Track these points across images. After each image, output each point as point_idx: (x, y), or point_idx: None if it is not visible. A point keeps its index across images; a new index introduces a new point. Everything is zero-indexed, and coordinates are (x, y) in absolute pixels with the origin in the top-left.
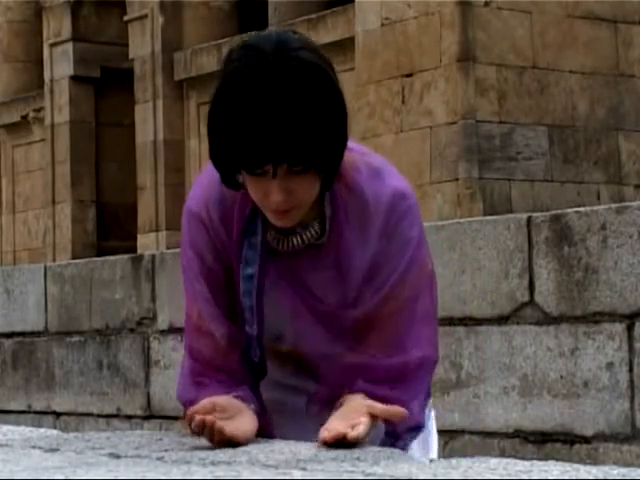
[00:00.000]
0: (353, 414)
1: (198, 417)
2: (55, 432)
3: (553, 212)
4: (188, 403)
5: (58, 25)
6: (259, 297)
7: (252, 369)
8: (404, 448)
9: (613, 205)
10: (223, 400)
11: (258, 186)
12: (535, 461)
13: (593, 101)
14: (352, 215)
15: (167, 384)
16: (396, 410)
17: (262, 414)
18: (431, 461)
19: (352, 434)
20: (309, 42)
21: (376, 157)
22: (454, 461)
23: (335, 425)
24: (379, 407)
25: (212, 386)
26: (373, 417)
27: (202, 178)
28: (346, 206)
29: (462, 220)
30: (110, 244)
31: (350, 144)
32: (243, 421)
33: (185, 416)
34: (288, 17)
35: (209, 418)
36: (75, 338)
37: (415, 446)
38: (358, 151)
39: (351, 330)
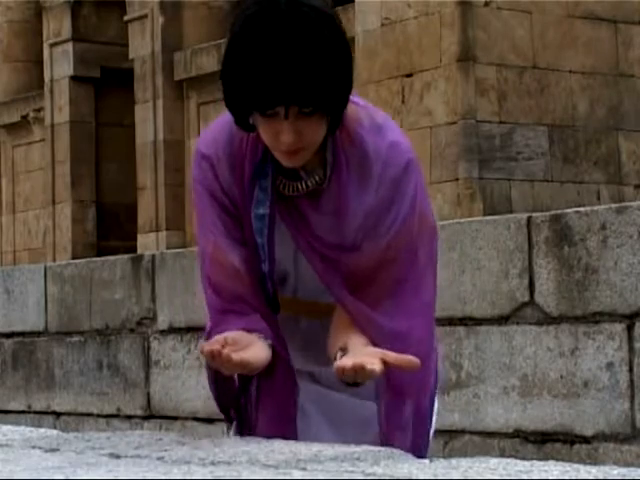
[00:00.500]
0: (367, 357)
1: (207, 348)
2: (55, 432)
3: (553, 212)
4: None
5: (58, 25)
6: (270, 235)
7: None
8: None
9: (613, 205)
10: (235, 334)
11: (269, 127)
12: (535, 461)
13: (593, 101)
14: (352, 164)
15: (167, 384)
16: (409, 359)
17: (279, 344)
18: (431, 461)
19: (370, 366)
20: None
21: (380, 112)
22: (454, 461)
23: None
24: (392, 355)
25: (232, 319)
26: (385, 364)
27: (212, 125)
28: (347, 155)
29: (462, 220)
30: (110, 244)
31: (355, 98)
32: (254, 350)
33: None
34: None
35: (216, 348)
36: (75, 338)
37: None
38: (363, 105)
39: (350, 278)
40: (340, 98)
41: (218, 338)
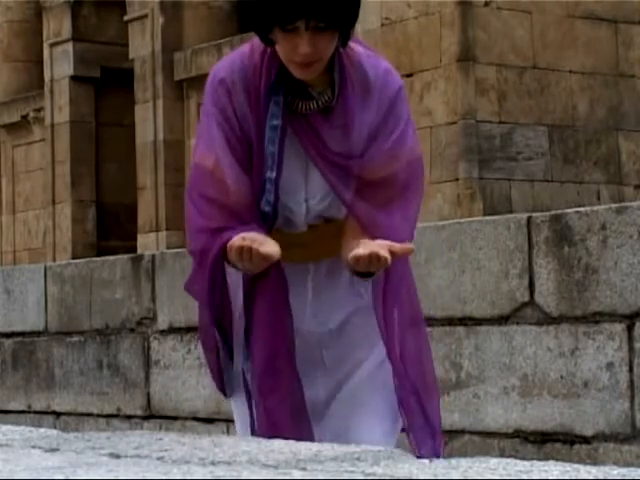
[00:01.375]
0: (378, 248)
1: (237, 244)
2: (55, 432)
3: (553, 212)
4: (205, 251)
5: (58, 25)
6: (281, 144)
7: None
8: None
9: (613, 205)
10: (250, 233)
11: (289, 41)
12: (535, 461)
13: (593, 101)
14: (356, 86)
15: (167, 384)
16: (408, 247)
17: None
18: (431, 461)
19: (384, 254)
20: None
21: (372, 50)
22: (454, 461)
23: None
24: (397, 245)
25: (230, 233)
26: (392, 254)
27: (226, 57)
28: (351, 77)
29: (462, 220)
30: (110, 244)
31: (355, 40)
32: (271, 243)
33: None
34: None
35: (246, 243)
36: (75, 338)
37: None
38: (357, 41)
39: (358, 182)
40: (351, 15)
41: (237, 238)
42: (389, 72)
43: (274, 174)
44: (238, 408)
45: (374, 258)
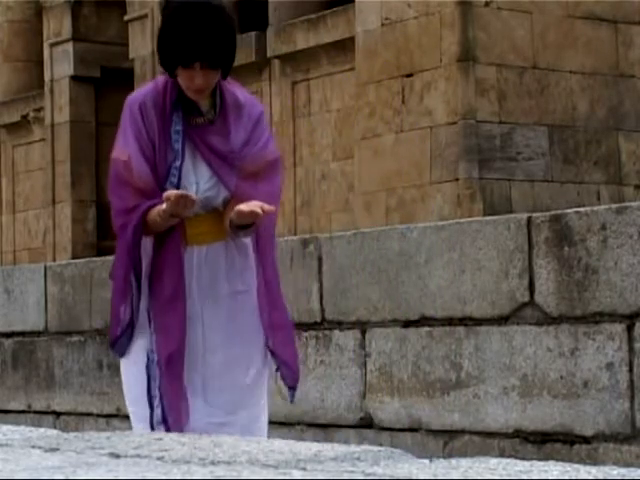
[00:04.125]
0: (255, 205)
1: (177, 194)
2: (55, 432)
3: (553, 212)
4: (125, 225)
5: (58, 25)
6: (183, 143)
7: None
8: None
9: (613, 205)
10: (170, 191)
11: (188, 75)
12: (535, 461)
13: (593, 101)
14: (231, 105)
15: None
16: (271, 207)
17: None
18: (431, 461)
19: (259, 210)
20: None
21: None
22: (454, 461)
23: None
24: (267, 206)
25: (140, 206)
26: (264, 211)
27: (139, 89)
28: (228, 99)
29: (462, 220)
30: (110, 244)
31: (229, 79)
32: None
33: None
34: (288, 17)
35: (184, 193)
36: (75, 338)
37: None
38: (231, 80)
39: (239, 172)
40: (230, 58)
41: (174, 192)
42: (252, 100)
43: (179, 163)
44: (130, 367)
45: (253, 211)
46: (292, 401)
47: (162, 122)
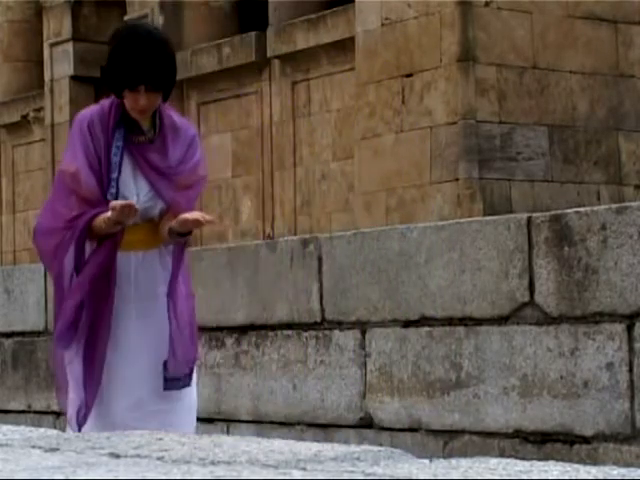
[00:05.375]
0: (196, 213)
1: (119, 204)
2: (55, 432)
3: (553, 212)
4: (74, 228)
5: (58, 25)
6: (121, 157)
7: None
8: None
9: (613, 205)
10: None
11: (133, 96)
12: (535, 461)
13: (593, 101)
14: (169, 126)
15: None
16: (211, 218)
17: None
18: (431, 461)
19: (201, 219)
20: (161, 31)
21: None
22: (454, 461)
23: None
24: (207, 216)
25: (85, 214)
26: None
27: (88, 108)
28: (166, 121)
29: (462, 220)
30: None
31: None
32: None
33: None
34: (288, 17)
35: (129, 203)
36: None
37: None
38: (168, 106)
39: (175, 185)
40: (170, 82)
41: (119, 202)
42: (187, 122)
43: (115, 175)
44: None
45: (197, 219)
46: (165, 389)
47: (106, 138)
